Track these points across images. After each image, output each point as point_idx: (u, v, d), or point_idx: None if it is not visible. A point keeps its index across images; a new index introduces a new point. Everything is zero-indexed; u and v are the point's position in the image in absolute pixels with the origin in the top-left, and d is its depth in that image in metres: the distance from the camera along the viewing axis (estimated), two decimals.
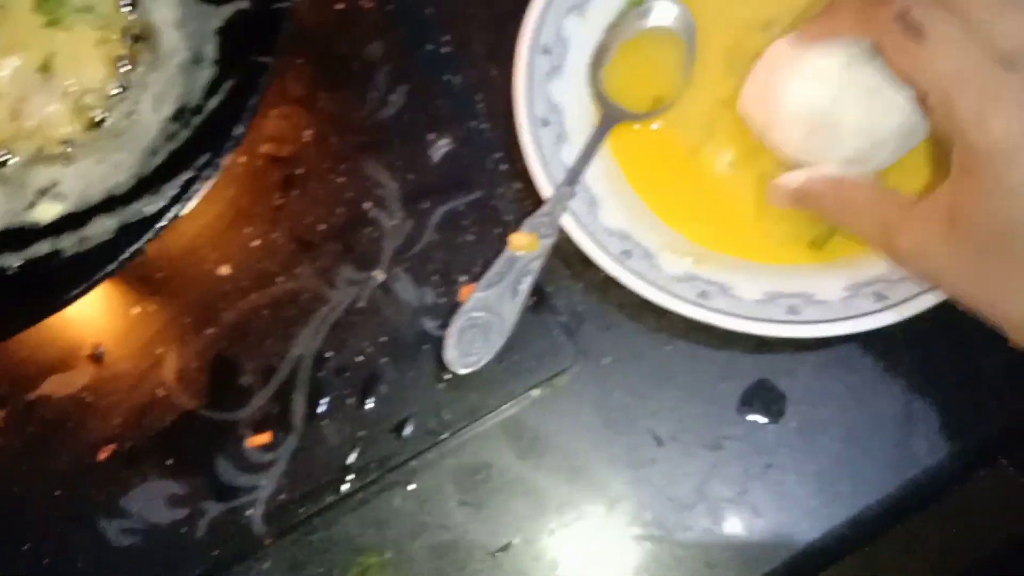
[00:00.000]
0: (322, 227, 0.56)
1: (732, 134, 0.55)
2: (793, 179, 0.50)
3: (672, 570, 0.51)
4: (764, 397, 0.53)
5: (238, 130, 0.45)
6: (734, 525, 0.51)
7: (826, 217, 0.50)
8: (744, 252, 0.53)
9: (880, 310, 0.50)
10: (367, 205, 0.56)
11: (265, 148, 0.58)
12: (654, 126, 0.57)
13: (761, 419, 0.53)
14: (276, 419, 0.52)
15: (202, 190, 0.46)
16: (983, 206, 0.41)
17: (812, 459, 0.53)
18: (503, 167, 0.58)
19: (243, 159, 0.57)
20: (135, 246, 0.44)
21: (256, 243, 0.55)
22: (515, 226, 0.55)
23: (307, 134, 0.58)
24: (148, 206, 0.45)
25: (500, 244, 0.55)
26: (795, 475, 0.52)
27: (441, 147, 0.58)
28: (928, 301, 0.50)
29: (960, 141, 0.41)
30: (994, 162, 0.40)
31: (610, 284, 0.55)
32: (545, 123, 0.54)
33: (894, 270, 0.51)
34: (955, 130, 0.41)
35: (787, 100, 0.49)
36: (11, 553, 0.51)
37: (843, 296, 0.52)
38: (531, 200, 0.56)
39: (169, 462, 0.51)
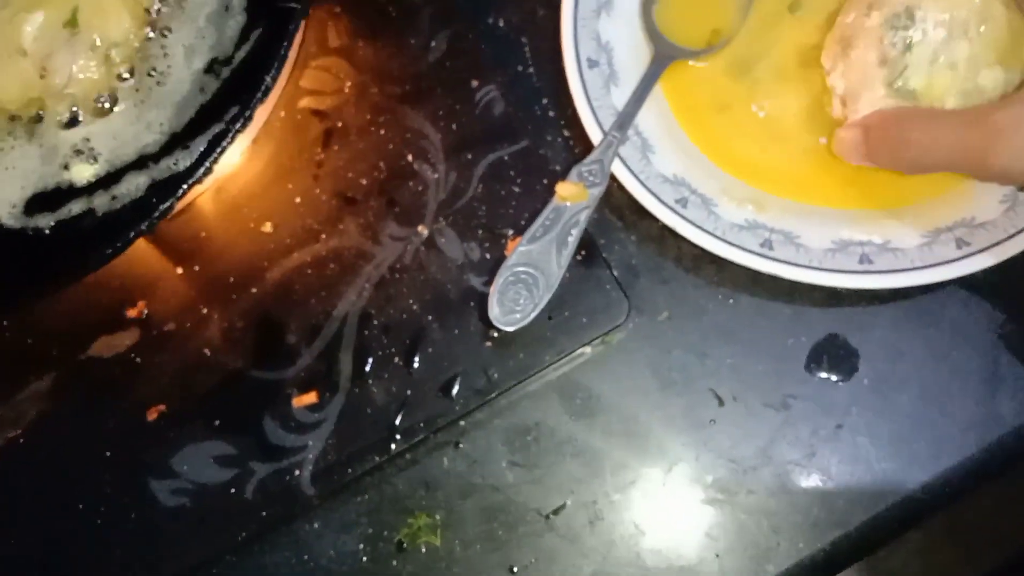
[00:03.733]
0: (364, 182, 0.54)
1: (795, 69, 0.51)
2: (858, 121, 0.46)
3: (735, 535, 0.48)
4: (834, 353, 0.50)
5: (268, 80, 0.43)
6: (802, 489, 0.48)
7: (898, 157, 0.46)
8: (810, 196, 0.49)
9: (962, 257, 0.46)
10: (410, 158, 0.54)
11: (304, 102, 0.56)
12: (708, 64, 0.53)
13: (831, 377, 0.50)
14: (322, 379, 0.51)
15: (234, 144, 0.44)
16: None
17: (886, 419, 0.49)
18: (551, 114, 0.55)
19: (282, 114, 0.55)
20: (166, 203, 0.42)
21: (298, 200, 0.54)
22: (564, 176, 0.52)
23: (347, 86, 0.56)
24: (178, 162, 0.44)
25: (547, 196, 0.52)
26: (868, 437, 0.49)
27: (485, 95, 0.55)
28: (1016, 246, 0.45)
29: None
30: None
31: (666, 235, 0.52)
32: (593, 64, 0.51)
33: (977, 213, 0.47)
34: None
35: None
36: (64, 514, 0.51)
37: (921, 243, 0.48)
38: (581, 148, 0.53)
39: (217, 422, 0.51)
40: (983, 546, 0.52)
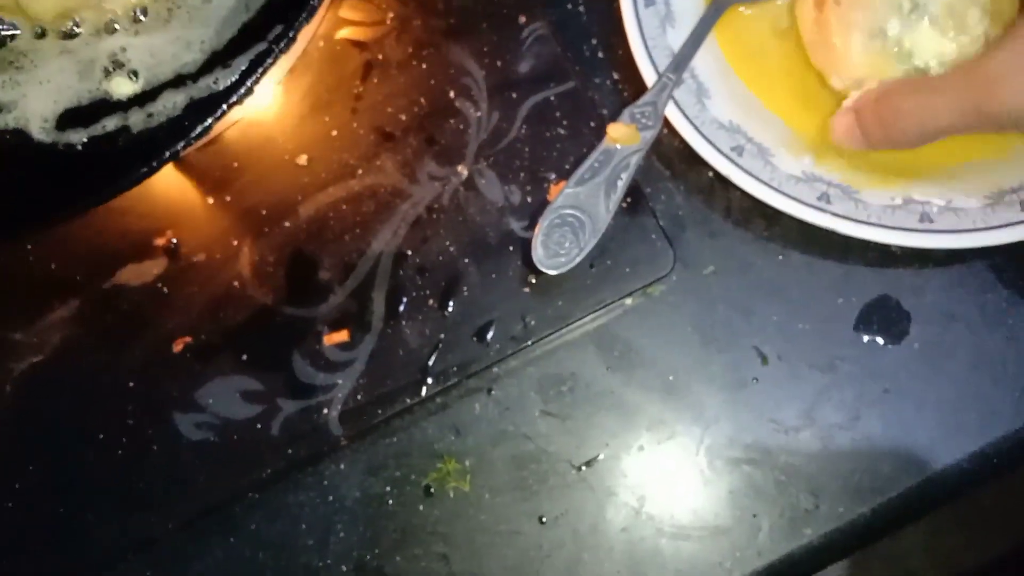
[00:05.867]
0: (404, 117, 0.52)
1: None
2: (849, 106, 0.44)
3: (772, 498, 0.47)
4: (885, 316, 0.48)
5: None
6: (844, 453, 0.47)
7: (895, 132, 0.43)
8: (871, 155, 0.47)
9: None
10: (452, 95, 0.52)
11: (344, 32, 0.54)
12: (765, 10, 0.50)
13: (880, 340, 0.48)
14: (354, 318, 0.49)
15: (275, 65, 0.42)
16: None
17: (935, 386, 0.47)
18: (600, 55, 0.52)
19: (320, 44, 0.53)
20: (204, 123, 0.41)
21: (335, 133, 0.52)
22: (611, 120, 0.50)
23: (389, 17, 0.54)
24: (218, 81, 0.42)
25: (594, 139, 0.50)
26: (915, 402, 0.47)
27: (532, 32, 0.53)
28: None
29: None
30: None
31: (715, 186, 0.50)
32: (649, 2, 0.49)
33: None
34: None
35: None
36: (85, 443, 0.50)
37: (983, 204, 0.46)
38: (631, 92, 0.51)
39: (244, 357, 0.49)
40: (989, 532, 0.51)
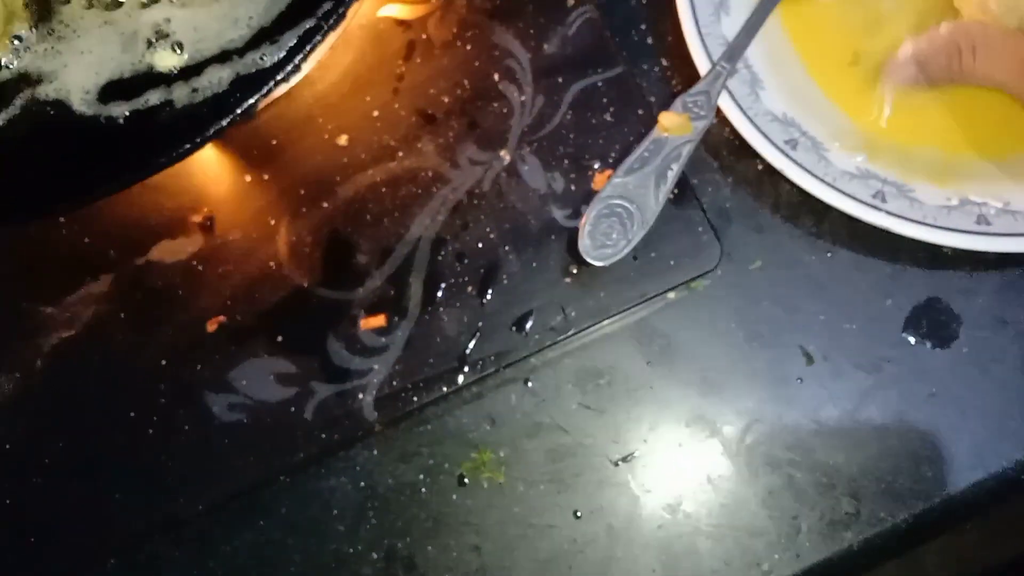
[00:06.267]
0: (446, 100, 0.51)
1: (928, 8, 0.48)
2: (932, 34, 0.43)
3: (812, 500, 0.46)
4: (934, 318, 0.47)
5: None
6: (887, 457, 0.46)
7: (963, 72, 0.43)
8: (931, 139, 0.46)
9: None
10: (496, 77, 0.51)
11: (387, 10, 0.53)
12: None
13: (928, 342, 0.47)
14: (391, 302, 0.48)
15: (323, 42, 0.41)
16: None
17: (983, 391, 0.46)
18: (649, 41, 0.51)
19: (363, 22, 0.52)
20: (250, 100, 0.40)
21: (376, 113, 0.51)
22: (659, 109, 0.49)
23: None
24: (265, 57, 0.41)
25: (641, 128, 0.49)
26: (962, 407, 0.46)
27: (580, 15, 0.51)
28: None
29: None
30: None
31: (764, 179, 0.49)
32: None
33: None
34: None
35: None
36: (114, 422, 0.49)
37: None
38: (679, 80, 0.50)
39: (279, 339, 0.49)
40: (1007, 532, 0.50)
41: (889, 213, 0.44)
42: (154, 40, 0.42)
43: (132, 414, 0.49)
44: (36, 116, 0.43)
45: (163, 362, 0.50)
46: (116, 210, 0.51)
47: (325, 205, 0.50)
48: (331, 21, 0.40)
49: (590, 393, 0.48)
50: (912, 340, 0.47)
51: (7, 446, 0.50)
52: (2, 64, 0.43)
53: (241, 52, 0.41)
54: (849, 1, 0.49)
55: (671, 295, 0.48)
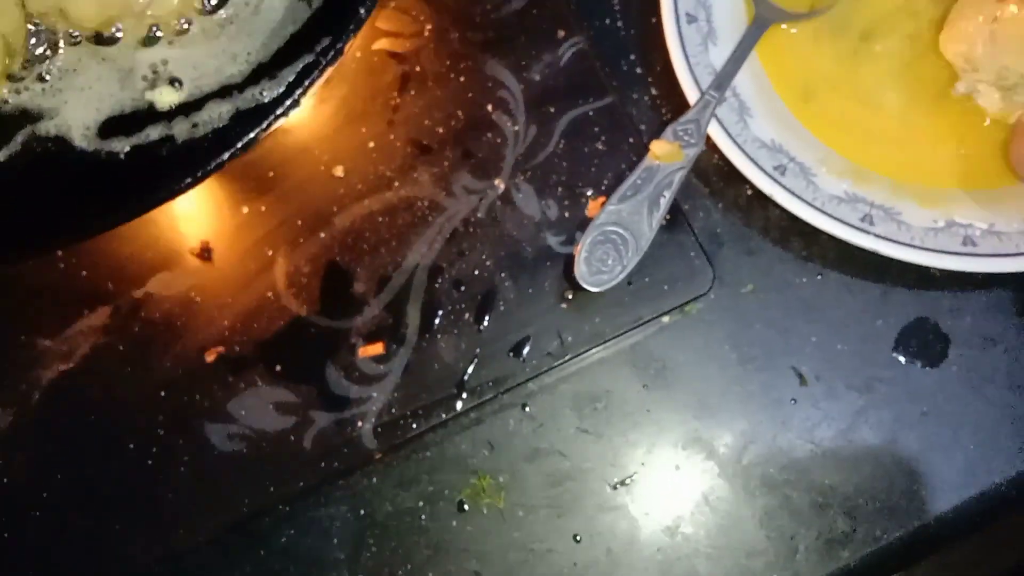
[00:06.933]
0: (440, 130, 0.52)
1: (900, 40, 0.49)
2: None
3: (809, 519, 0.46)
4: (923, 338, 0.48)
5: (363, 12, 0.41)
6: (881, 476, 0.47)
7: None
8: (908, 175, 0.47)
9: None
10: (489, 108, 0.52)
11: (381, 43, 0.53)
12: (808, 30, 0.50)
13: (919, 362, 0.48)
14: (389, 330, 0.49)
15: (321, 77, 0.42)
16: None
17: (974, 409, 0.47)
18: (638, 70, 0.52)
19: (358, 54, 0.53)
20: (250, 135, 0.40)
21: (371, 144, 0.52)
22: (649, 137, 0.50)
23: (427, 29, 0.53)
24: (264, 92, 0.42)
25: (632, 155, 0.50)
26: (954, 425, 0.47)
27: (571, 46, 0.53)
28: None
29: None
30: None
31: (754, 204, 0.50)
32: (692, 19, 0.49)
33: None
34: None
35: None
36: (115, 453, 0.49)
37: None
38: (669, 108, 0.51)
39: (278, 368, 0.49)
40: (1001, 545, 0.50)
41: (877, 236, 0.45)
42: (152, 77, 0.43)
43: (131, 446, 0.49)
44: (37, 152, 0.43)
45: (162, 393, 0.50)
46: (113, 243, 0.52)
47: (322, 235, 0.51)
48: (329, 56, 0.41)
49: (587, 417, 0.48)
50: (903, 360, 0.48)
51: (4, 480, 0.50)
52: (2, 100, 0.43)
53: (241, 87, 0.42)
54: (822, 34, 0.50)
55: (665, 319, 0.49)
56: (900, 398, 0.47)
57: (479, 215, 0.51)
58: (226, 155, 0.40)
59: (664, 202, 0.46)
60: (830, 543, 0.46)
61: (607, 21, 0.53)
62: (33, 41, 0.44)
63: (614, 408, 0.48)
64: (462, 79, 0.53)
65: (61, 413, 0.50)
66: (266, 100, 0.41)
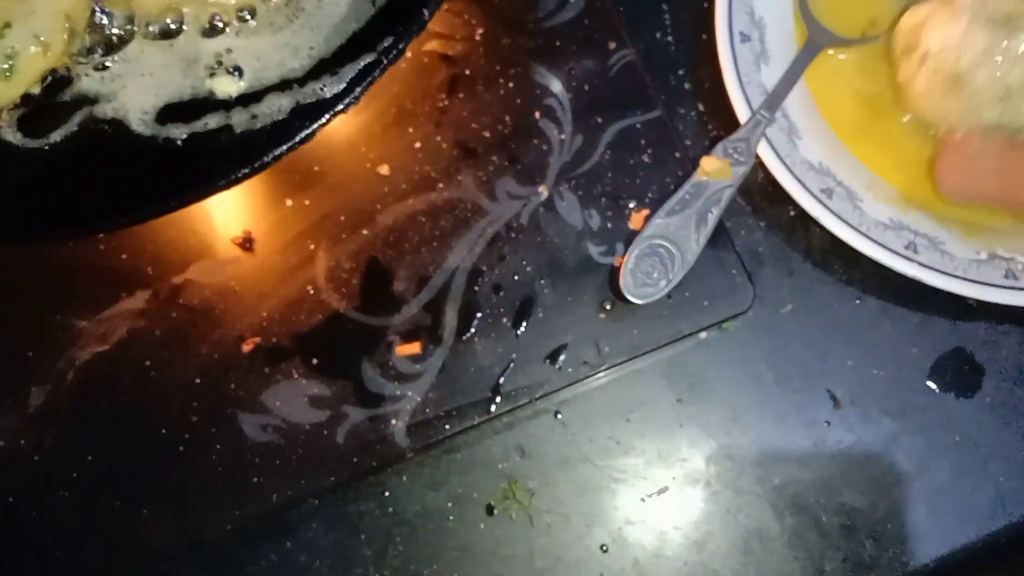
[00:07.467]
0: (487, 134, 0.52)
1: None
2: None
3: (836, 542, 0.47)
4: (958, 368, 0.48)
5: (426, 13, 0.41)
6: (911, 502, 0.47)
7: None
8: (955, 207, 0.47)
9: None
10: (536, 115, 0.52)
11: (432, 45, 0.54)
12: (858, 56, 0.51)
13: (952, 391, 0.48)
14: (427, 330, 0.49)
15: (381, 76, 0.42)
16: None
17: (1005, 442, 0.48)
18: (686, 86, 0.53)
19: (409, 55, 0.53)
20: (309, 129, 0.41)
21: (418, 145, 0.52)
22: (695, 152, 0.50)
23: (477, 33, 0.54)
24: (325, 88, 0.42)
25: (678, 170, 0.50)
26: (984, 457, 0.47)
27: (621, 58, 0.53)
28: None
29: None
30: None
31: (797, 225, 0.50)
32: (745, 38, 0.49)
33: None
34: None
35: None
36: (146, 437, 0.50)
37: None
38: (715, 125, 0.52)
39: (314, 361, 0.49)
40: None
41: (921, 264, 0.45)
42: (215, 67, 0.43)
43: (163, 431, 0.50)
44: (93, 134, 0.44)
45: (197, 380, 0.50)
46: (156, 228, 0.52)
47: (364, 232, 0.51)
48: (391, 56, 0.41)
49: (620, 428, 0.49)
50: (937, 388, 0.48)
51: (36, 457, 0.50)
52: (63, 80, 0.44)
53: (301, 82, 0.42)
54: (863, 61, 0.51)
55: (703, 335, 0.49)
56: (933, 426, 0.48)
57: (521, 221, 0.51)
58: (284, 148, 0.40)
59: (712, 219, 0.46)
60: (856, 567, 0.46)
61: (657, 35, 0.53)
62: (96, 23, 0.45)
63: (647, 420, 0.49)
64: (511, 85, 0.53)
65: (95, 394, 0.51)
66: (327, 96, 0.41)
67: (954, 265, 0.45)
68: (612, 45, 0.53)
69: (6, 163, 0.44)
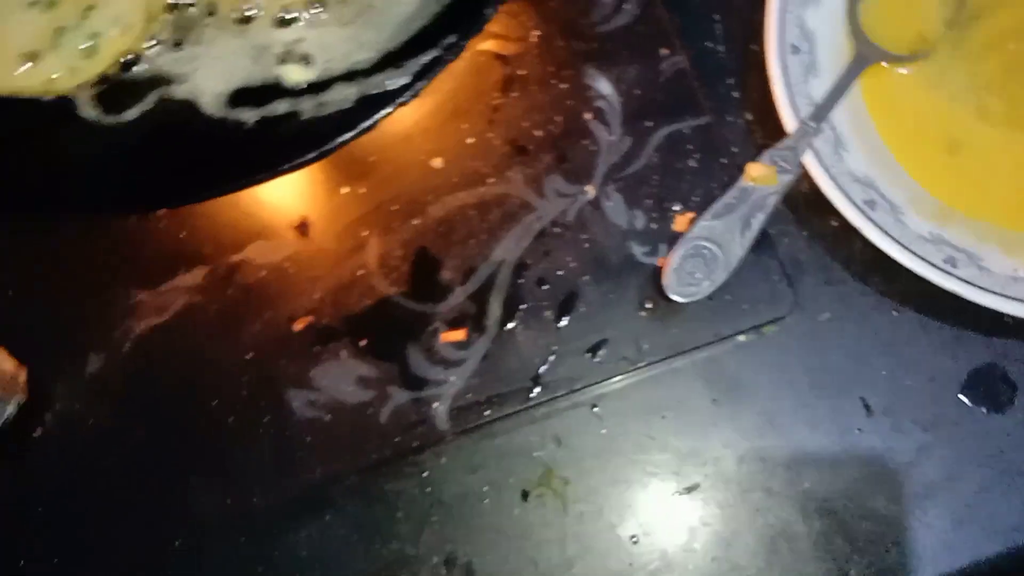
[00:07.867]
0: (538, 133, 0.54)
1: (1002, 86, 0.50)
2: None
3: (862, 548, 0.48)
4: (991, 383, 0.49)
5: (488, 11, 0.43)
6: (939, 513, 0.48)
7: None
8: (1001, 218, 0.48)
9: None
10: (587, 116, 0.54)
11: (488, 44, 0.56)
12: (909, 70, 0.52)
13: (985, 406, 0.49)
14: (472, 319, 0.51)
15: (441, 72, 0.44)
16: None
17: None
18: (735, 95, 0.54)
19: (465, 53, 0.55)
20: (373, 118, 0.42)
21: (471, 140, 0.54)
22: (741, 159, 0.51)
23: (533, 34, 0.55)
24: (389, 81, 0.44)
25: (724, 176, 0.52)
26: (1014, 472, 0.48)
27: (672, 65, 0.54)
28: None
29: None
30: None
31: (839, 235, 0.51)
32: (795, 50, 0.50)
33: None
34: None
35: None
36: (196, 408, 0.52)
37: None
38: (762, 134, 0.53)
39: (362, 343, 0.51)
40: None
41: (960, 279, 0.46)
42: (285, 56, 0.45)
43: (214, 403, 0.52)
44: (168, 113, 0.46)
45: (248, 356, 0.52)
46: (216, 208, 0.54)
47: (416, 222, 0.53)
48: (453, 52, 0.43)
49: (655, 424, 0.50)
50: (969, 402, 0.49)
51: (90, 421, 0.52)
52: (141, 61, 0.46)
53: (367, 73, 0.44)
54: (927, 78, 0.52)
55: (741, 337, 0.50)
56: (964, 439, 0.48)
57: (568, 218, 0.52)
58: (349, 135, 0.42)
59: (756, 224, 0.47)
60: (881, 572, 0.47)
61: (708, 44, 0.55)
62: (173, 6, 0.47)
63: (682, 418, 0.50)
64: (563, 86, 0.55)
65: (150, 364, 0.53)
66: (391, 88, 0.43)
67: (992, 281, 0.46)
68: (664, 51, 0.54)
69: (83, 137, 0.46)
